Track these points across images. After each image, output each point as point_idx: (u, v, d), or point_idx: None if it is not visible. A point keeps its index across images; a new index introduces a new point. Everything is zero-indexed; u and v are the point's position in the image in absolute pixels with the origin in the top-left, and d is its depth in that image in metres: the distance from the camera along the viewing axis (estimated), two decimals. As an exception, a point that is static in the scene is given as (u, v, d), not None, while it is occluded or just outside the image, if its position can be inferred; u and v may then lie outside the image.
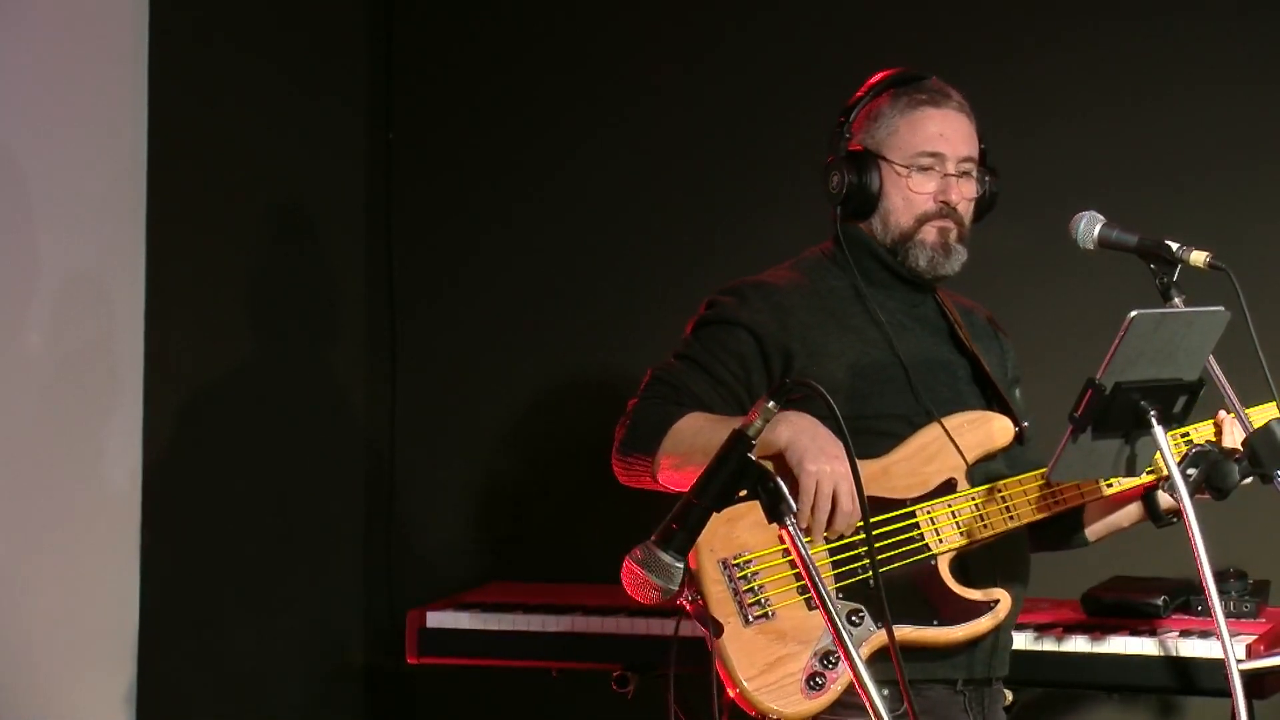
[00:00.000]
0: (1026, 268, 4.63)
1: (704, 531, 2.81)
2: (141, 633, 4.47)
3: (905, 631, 3.22)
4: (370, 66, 5.27)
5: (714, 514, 2.80)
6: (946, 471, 3.34)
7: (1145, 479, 3.29)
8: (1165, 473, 3.10)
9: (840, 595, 3.25)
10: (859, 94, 3.47)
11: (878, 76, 3.47)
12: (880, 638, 3.21)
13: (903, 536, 3.29)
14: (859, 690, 2.74)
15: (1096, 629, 3.95)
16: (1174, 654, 3.87)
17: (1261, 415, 3.27)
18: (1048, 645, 3.92)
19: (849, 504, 3.21)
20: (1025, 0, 4.83)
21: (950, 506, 3.32)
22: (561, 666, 4.28)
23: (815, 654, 3.21)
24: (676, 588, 2.76)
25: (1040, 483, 3.33)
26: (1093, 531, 3.52)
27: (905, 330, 3.44)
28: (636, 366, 3.55)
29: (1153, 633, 3.91)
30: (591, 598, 4.25)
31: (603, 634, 4.18)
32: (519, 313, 5.17)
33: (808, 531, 3.22)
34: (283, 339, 5.00)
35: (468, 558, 5.14)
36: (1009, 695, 3.64)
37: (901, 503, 3.31)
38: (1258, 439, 3.16)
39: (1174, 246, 3.24)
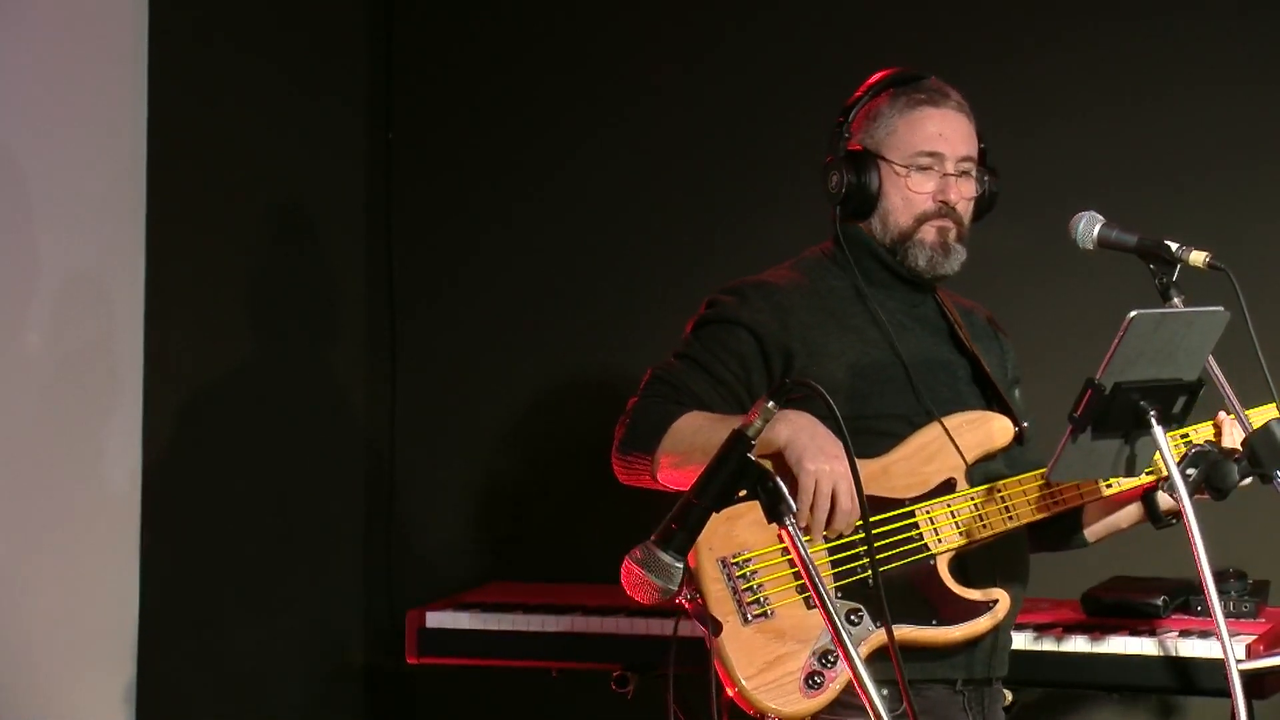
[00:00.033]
0: (1026, 268, 4.63)
1: (703, 530, 2.81)
2: (141, 633, 4.47)
3: (904, 631, 3.22)
4: (370, 66, 5.27)
5: (714, 514, 2.80)
6: (946, 471, 3.34)
7: (1145, 479, 3.29)
8: (1165, 473, 3.11)
9: (839, 594, 3.25)
10: (858, 94, 3.47)
11: (876, 76, 3.47)
12: (879, 637, 3.21)
13: (901, 536, 3.29)
14: (858, 689, 2.74)
15: (1096, 629, 3.95)
16: (1174, 654, 3.86)
17: (1262, 417, 3.27)
18: (1047, 645, 3.92)
19: (848, 503, 3.21)
20: (1025, 0, 4.83)
21: (949, 506, 3.32)
22: (561, 666, 4.28)
23: (814, 653, 3.21)
24: (676, 588, 2.76)
25: (1039, 483, 3.33)
26: (1092, 532, 3.52)
27: (905, 330, 3.44)
28: (636, 366, 3.55)
29: (1152, 633, 3.91)
30: (591, 598, 4.25)
31: (602, 634, 4.18)
32: (519, 313, 5.17)
33: (807, 531, 3.22)
34: (283, 339, 5.00)
35: (468, 558, 5.14)
36: (1009, 695, 3.64)
37: (900, 502, 3.31)
38: (1257, 439, 3.16)
39: (1173, 246, 3.24)
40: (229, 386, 4.81)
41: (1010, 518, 3.34)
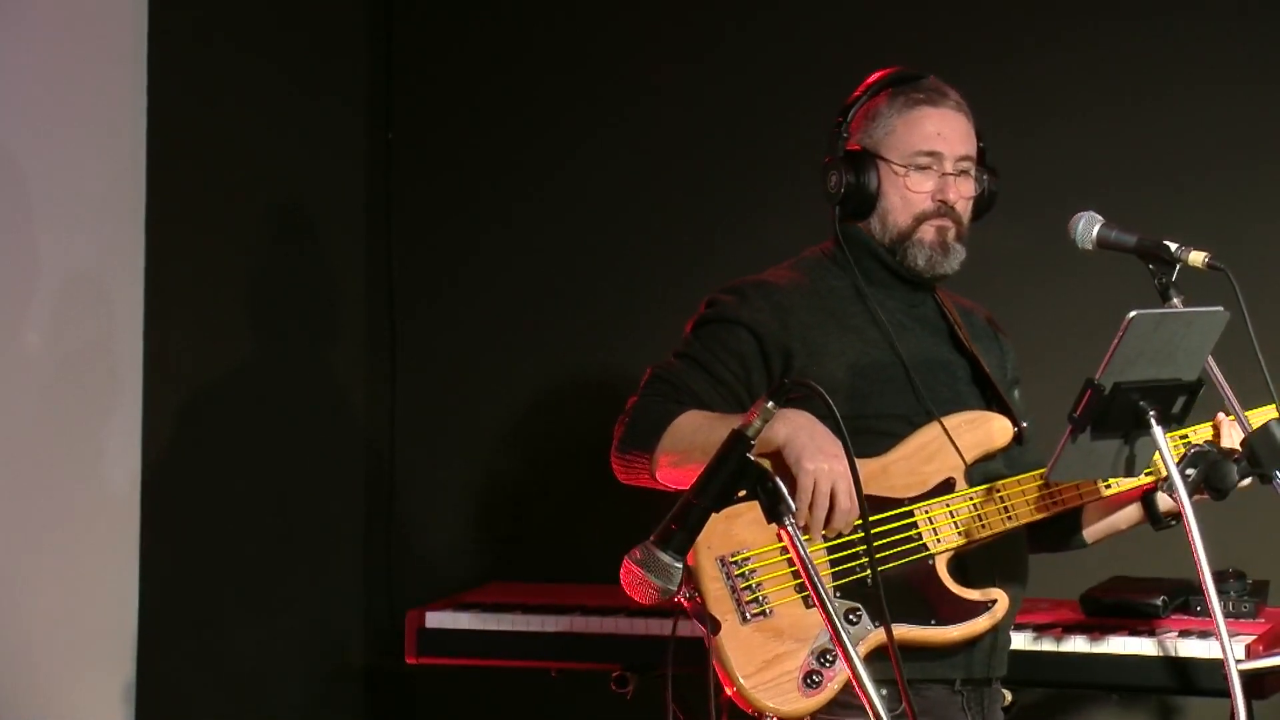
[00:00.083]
0: (1026, 268, 4.63)
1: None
2: (141, 633, 4.47)
3: (902, 630, 3.21)
4: (370, 66, 5.27)
5: (713, 514, 2.80)
6: (945, 471, 3.34)
7: (1144, 480, 3.29)
8: (1164, 473, 3.11)
9: (838, 594, 3.25)
10: (856, 93, 3.47)
11: (875, 76, 3.47)
12: (877, 636, 3.21)
13: (900, 536, 3.29)
14: (857, 689, 2.74)
15: (1095, 629, 3.95)
16: (1173, 654, 3.86)
17: (1261, 418, 3.27)
18: (1047, 645, 3.92)
19: (846, 502, 3.21)
20: (1025, 0, 4.83)
21: (948, 506, 3.32)
22: (561, 667, 4.28)
23: (812, 652, 3.21)
24: (675, 588, 2.76)
25: (1039, 483, 3.33)
26: (1091, 533, 3.52)
27: (905, 330, 3.44)
28: (636, 366, 3.55)
29: (1152, 633, 3.91)
30: (591, 598, 4.25)
31: (602, 634, 4.18)
32: (519, 313, 5.17)
33: (805, 530, 3.22)
34: (283, 339, 5.00)
35: (468, 558, 5.14)
36: (1008, 695, 3.64)
37: (899, 502, 3.31)
38: (1256, 439, 3.16)
39: (1173, 247, 3.24)
40: (229, 386, 4.81)
41: (1009, 518, 3.34)
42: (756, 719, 3.21)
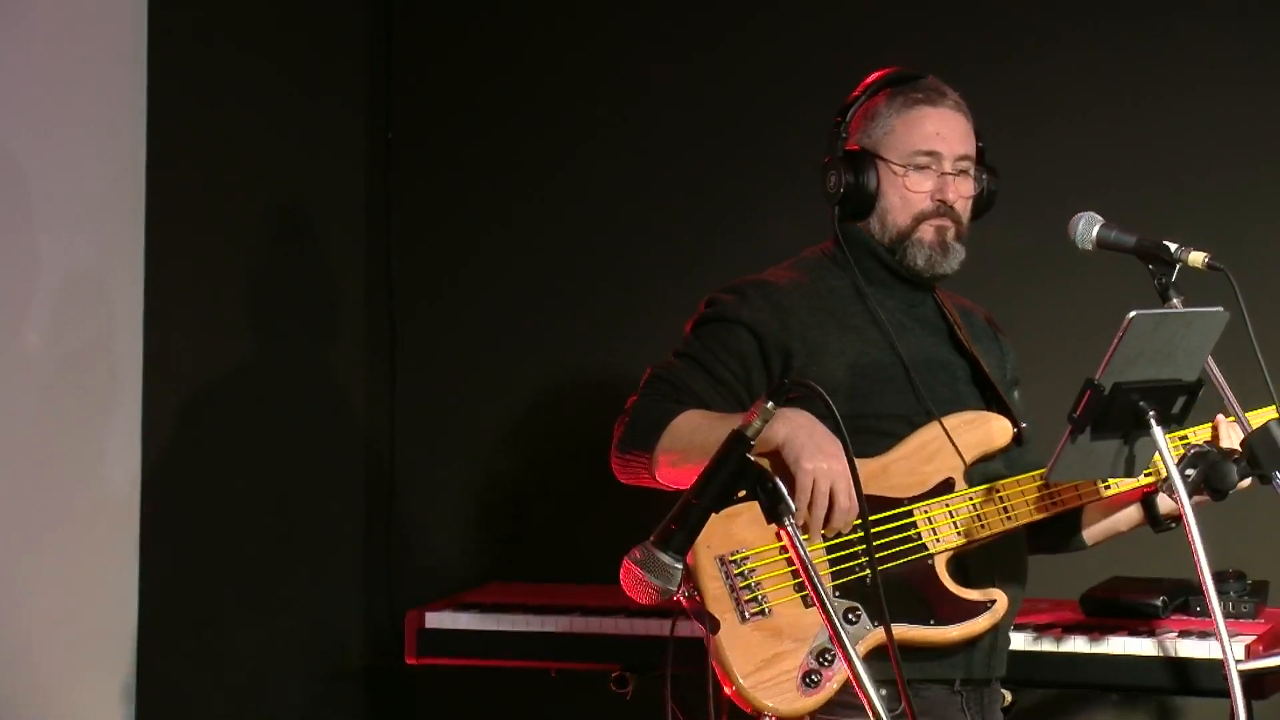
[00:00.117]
0: (1026, 268, 4.63)
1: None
2: (141, 633, 4.47)
3: (901, 630, 3.21)
4: (370, 66, 5.27)
5: (713, 514, 2.80)
6: (945, 471, 3.34)
7: (1143, 481, 3.29)
8: (1164, 474, 3.11)
9: (837, 593, 3.25)
10: (855, 93, 3.48)
11: (874, 76, 3.48)
12: (876, 636, 3.21)
13: (899, 535, 3.29)
14: (856, 688, 2.74)
15: (1095, 629, 3.95)
16: (1173, 654, 3.86)
17: (1261, 419, 3.27)
18: (1046, 646, 3.91)
19: (846, 501, 3.21)
20: (1025, 0, 4.83)
21: (948, 506, 3.32)
22: (561, 667, 4.28)
23: (811, 651, 3.21)
24: (675, 588, 2.77)
25: (1038, 484, 3.33)
26: (1090, 534, 3.52)
27: (905, 330, 3.44)
28: (636, 366, 3.55)
29: (1152, 633, 3.91)
30: (591, 598, 4.25)
31: (602, 634, 4.17)
32: (519, 313, 5.17)
33: (805, 529, 3.22)
34: (283, 339, 5.00)
35: (468, 558, 5.14)
36: (1008, 696, 3.64)
37: (899, 502, 3.31)
38: (1256, 440, 3.16)
39: (1172, 247, 3.24)
40: (229, 386, 4.81)
41: (1008, 518, 3.34)
42: (756, 718, 3.21)
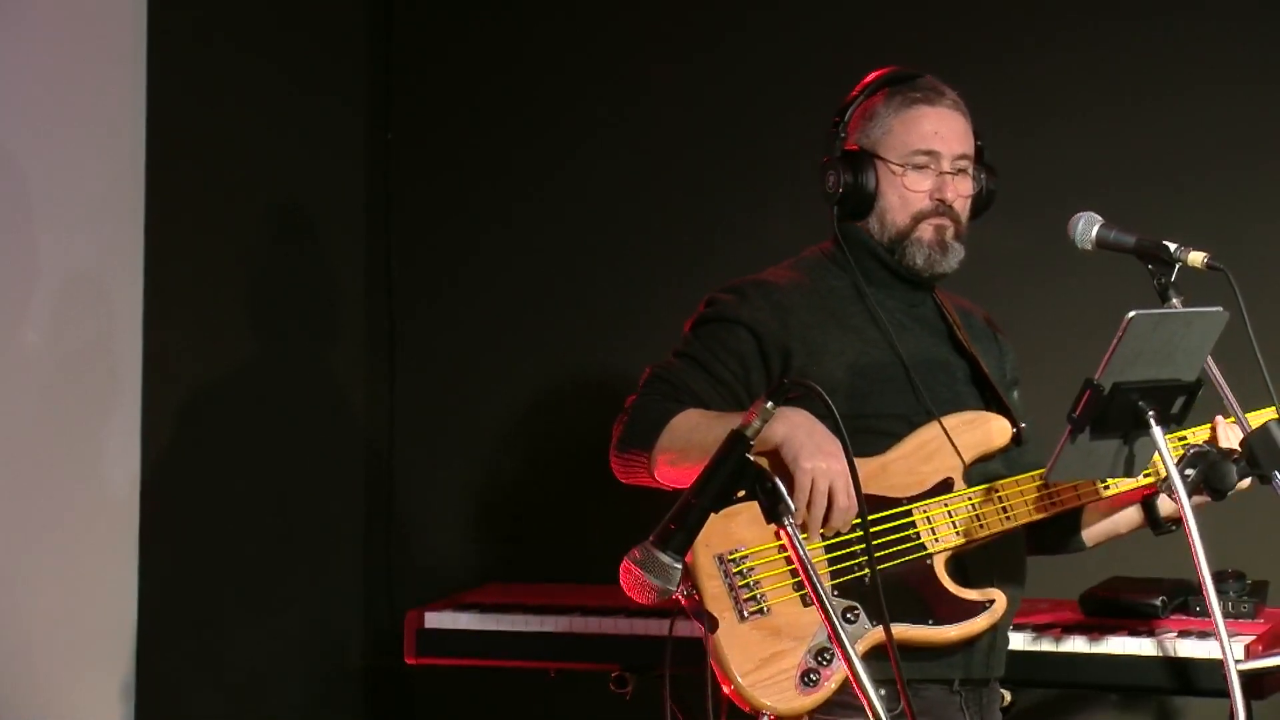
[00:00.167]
0: (1026, 268, 4.63)
1: (701, 527, 2.81)
2: (140, 633, 4.47)
3: (900, 630, 3.21)
4: (370, 66, 5.27)
5: (712, 514, 2.80)
6: (944, 471, 3.34)
7: (1143, 482, 3.29)
8: (1163, 474, 3.10)
9: (835, 593, 3.25)
10: (853, 93, 3.48)
11: (872, 76, 3.47)
12: (874, 635, 3.21)
13: (898, 535, 3.29)
14: (855, 687, 2.74)
15: (1095, 629, 3.95)
16: (1172, 654, 3.86)
17: (1260, 420, 3.26)
18: (1046, 645, 3.91)
19: (845, 500, 3.20)
20: (1025, 0, 4.83)
21: (946, 506, 3.32)
22: (560, 667, 4.28)
23: (810, 650, 3.21)
24: (675, 588, 2.77)
25: (1037, 484, 3.33)
26: (1090, 536, 3.52)
27: (905, 330, 3.44)
28: (636, 366, 3.54)
29: (1151, 633, 3.91)
30: (590, 598, 4.25)
31: (601, 634, 4.17)
32: (519, 313, 5.17)
33: (803, 528, 3.22)
34: (283, 339, 5.00)
35: (467, 558, 5.14)
36: (1007, 696, 3.64)
37: (898, 501, 3.31)
38: (1256, 440, 3.16)
39: (1172, 247, 3.24)
40: (229, 386, 4.81)
41: (1007, 518, 3.33)
42: (754, 717, 3.21)
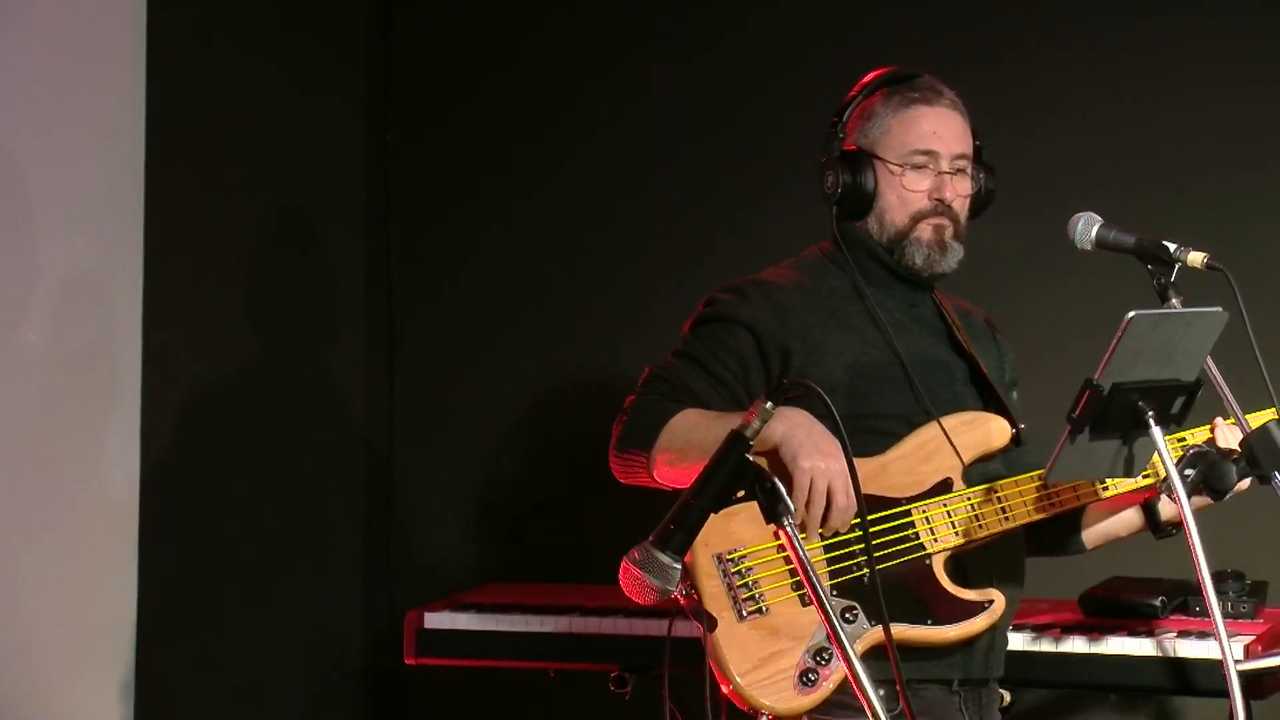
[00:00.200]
0: (1026, 268, 4.63)
1: (700, 527, 2.81)
2: (140, 633, 4.47)
3: (898, 630, 3.21)
4: (370, 66, 5.27)
5: (711, 514, 2.80)
6: (943, 471, 3.34)
7: (1143, 483, 3.29)
8: (1163, 474, 3.10)
9: (834, 593, 3.25)
10: (851, 93, 3.48)
11: (870, 76, 3.47)
12: (873, 635, 3.21)
13: (897, 535, 3.29)
14: (854, 687, 2.74)
15: (1094, 629, 3.95)
16: (1172, 655, 3.86)
17: (1260, 420, 3.26)
18: (1045, 646, 3.91)
19: (844, 500, 3.20)
20: (1025, 0, 4.83)
21: (946, 506, 3.32)
22: (559, 667, 4.28)
23: (808, 650, 3.21)
24: (674, 588, 2.76)
25: (1037, 484, 3.33)
26: (1090, 537, 3.51)
27: (904, 330, 3.44)
28: (636, 366, 3.54)
29: (1151, 633, 3.91)
30: (590, 598, 4.25)
31: (600, 635, 4.17)
32: (519, 313, 5.17)
33: (802, 528, 3.22)
34: (283, 339, 5.00)
35: (467, 558, 5.14)
36: (1007, 696, 3.64)
37: (897, 501, 3.31)
38: (1255, 440, 3.16)
39: (1171, 247, 3.24)
40: (229, 386, 4.81)
41: (1006, 519, 3.33)
42: (753, 717, 3.21)
